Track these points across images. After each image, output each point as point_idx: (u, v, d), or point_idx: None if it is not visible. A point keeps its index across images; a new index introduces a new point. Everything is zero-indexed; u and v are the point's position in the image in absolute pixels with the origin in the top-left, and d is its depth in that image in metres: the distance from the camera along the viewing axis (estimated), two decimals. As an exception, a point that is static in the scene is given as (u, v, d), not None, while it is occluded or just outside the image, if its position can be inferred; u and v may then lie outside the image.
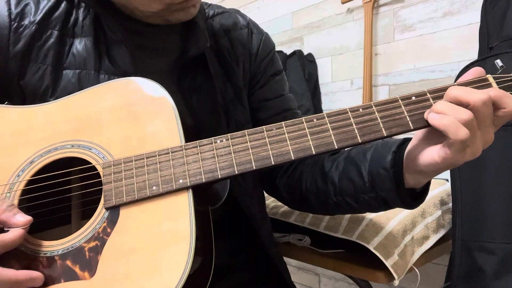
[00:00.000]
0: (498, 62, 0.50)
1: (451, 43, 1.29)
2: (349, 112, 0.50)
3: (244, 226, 0.71)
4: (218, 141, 0.51)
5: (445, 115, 0.45)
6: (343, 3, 1.55)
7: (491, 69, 0.49)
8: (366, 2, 1.46)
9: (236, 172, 0.50)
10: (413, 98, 0.49)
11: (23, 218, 0.48)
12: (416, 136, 0.53)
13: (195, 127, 0.65)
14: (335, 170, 0.65)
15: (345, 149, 0.66)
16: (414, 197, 0.57)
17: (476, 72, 0.49)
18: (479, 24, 1.09)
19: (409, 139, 0.55)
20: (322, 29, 1.67)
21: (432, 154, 0.49)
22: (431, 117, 0.46)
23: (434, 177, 0.57)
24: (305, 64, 1.68)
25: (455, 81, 0.51)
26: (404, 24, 1.40)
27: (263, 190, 0.81)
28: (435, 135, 0.49)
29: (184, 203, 0.49)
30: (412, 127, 0.48)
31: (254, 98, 0.75)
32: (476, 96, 0.44)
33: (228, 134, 0.52)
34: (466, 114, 0.44)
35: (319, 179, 0.67)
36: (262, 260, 0.74)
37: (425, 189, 0.58)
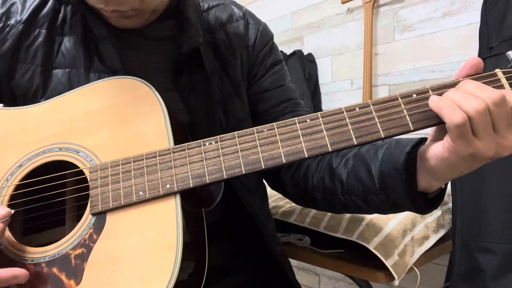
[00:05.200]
0: (510, 54, 0.48)
1: (451, 43, 1.29)
2: (344, 112, 0.47)
3: (247, 224, 0.70)
4: (207, 144, 0.49)
5: (443, 99, 0.43)
6: (343, 3, 1.55)
7: (492, 68, 0.48)
8: (366, 2, 1.46)
9: (225, 177, 0.48)
10: (414, 96, 0.46)
11: (2, 211, 0.47)
12: (430, 134, 0.50)
13: (193, 125, 0.64)
14: (343, 167, 0.62)
15: None
16: (427, 202, 0.53)
17: (474, 62, 0.46)
18: (479, 24, 1.09)
19: (425, 139, 0.52)
20: (322, 29, 1.66)
21: (438, 147, 0.46)
22: (430, 99, 0.45)
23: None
24: (305, 64, 1.68)
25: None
26: (404, 24, 1.40)
27: (265, 186, 0.79)
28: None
29: (171, 209, 0.47)
30: (412, 128, 0.45)
31: (253, 90, 0.73)
32: (486, 94, 0.42)
33: (218, 137, 0.50)
34: (477, 103, 0.41)
35: (327, 176, 0.64)
36: (265, 259, 0.73)
37: (440, 194, 0.55)
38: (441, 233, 0.91)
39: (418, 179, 0.51)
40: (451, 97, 0.43)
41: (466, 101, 0.42)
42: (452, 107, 0.42)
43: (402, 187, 0.52)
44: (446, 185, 0.53)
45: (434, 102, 0.44)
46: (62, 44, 0.62)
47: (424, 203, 0.53)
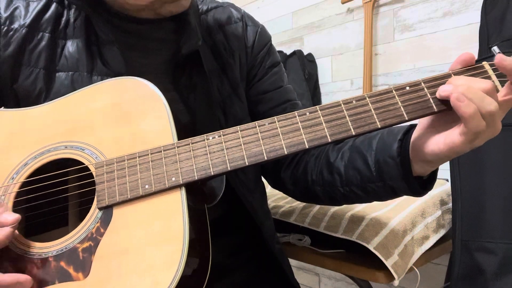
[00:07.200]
0: (495, 49, 0.49)
1: (451, 43, 1.29)
2: (342, 105, 0.49)
3: (246, 222, 0.71)
4: (211, 138, 0.51)
5: (470, 103, 0.43)
6: (343, 3, 1.55)
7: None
8: (366, 2, 1.46)
9: (229, 169, 0.49)
10: (407, 88, 0.48)
11: (11, 217, 0.47)
12: (420, 123, 0.52)
13: (193, 125, 0.65)
14: (340, 160, 0.64)
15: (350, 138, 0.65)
16: (422, 184, 0.56)
17: (465, 58, 0.48)
18: (479, 24, 1.09)
19: (414, 126, 0.54)
20: (322, 29, 1.67)
21: (438, 143, 0.48)
22: (456, 101, 0.43)
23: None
24: (305, 64, 1.68)
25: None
26: (404, 24, 1.40)
27: (264, 185, 0.80)
28: (441, 122, 0.49)
29: (177, 201, 0.49)
30: (407, 118, 0.48)
31: (252, 91, 0.75)
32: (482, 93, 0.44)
33: (221, 131, 0.51)
34: (493, 105, 0.43)
35: (325, 170, 0.67)
36: (264, 257, 0.74)
37: (433, 175, 0.56)
38: (441, 233, 0.91)
39: (414, 167, 0.54)
40: (471, 97, 0.43)
41: (485, 107, 0.43)
42: (479, 116, 0.43)
43: (398, 173, 0.55)
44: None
45: (463, 106, 0.43)
46: (65, 47, 0.63)
47: (419, 185, 0.55)
